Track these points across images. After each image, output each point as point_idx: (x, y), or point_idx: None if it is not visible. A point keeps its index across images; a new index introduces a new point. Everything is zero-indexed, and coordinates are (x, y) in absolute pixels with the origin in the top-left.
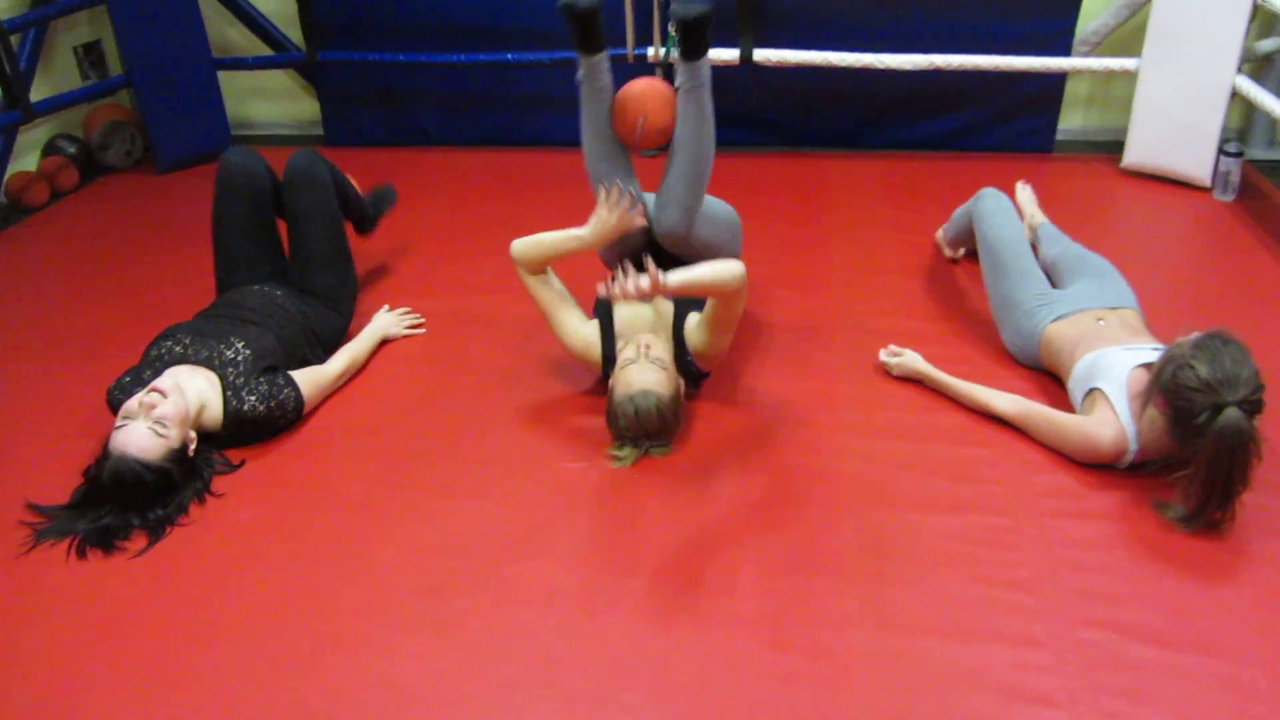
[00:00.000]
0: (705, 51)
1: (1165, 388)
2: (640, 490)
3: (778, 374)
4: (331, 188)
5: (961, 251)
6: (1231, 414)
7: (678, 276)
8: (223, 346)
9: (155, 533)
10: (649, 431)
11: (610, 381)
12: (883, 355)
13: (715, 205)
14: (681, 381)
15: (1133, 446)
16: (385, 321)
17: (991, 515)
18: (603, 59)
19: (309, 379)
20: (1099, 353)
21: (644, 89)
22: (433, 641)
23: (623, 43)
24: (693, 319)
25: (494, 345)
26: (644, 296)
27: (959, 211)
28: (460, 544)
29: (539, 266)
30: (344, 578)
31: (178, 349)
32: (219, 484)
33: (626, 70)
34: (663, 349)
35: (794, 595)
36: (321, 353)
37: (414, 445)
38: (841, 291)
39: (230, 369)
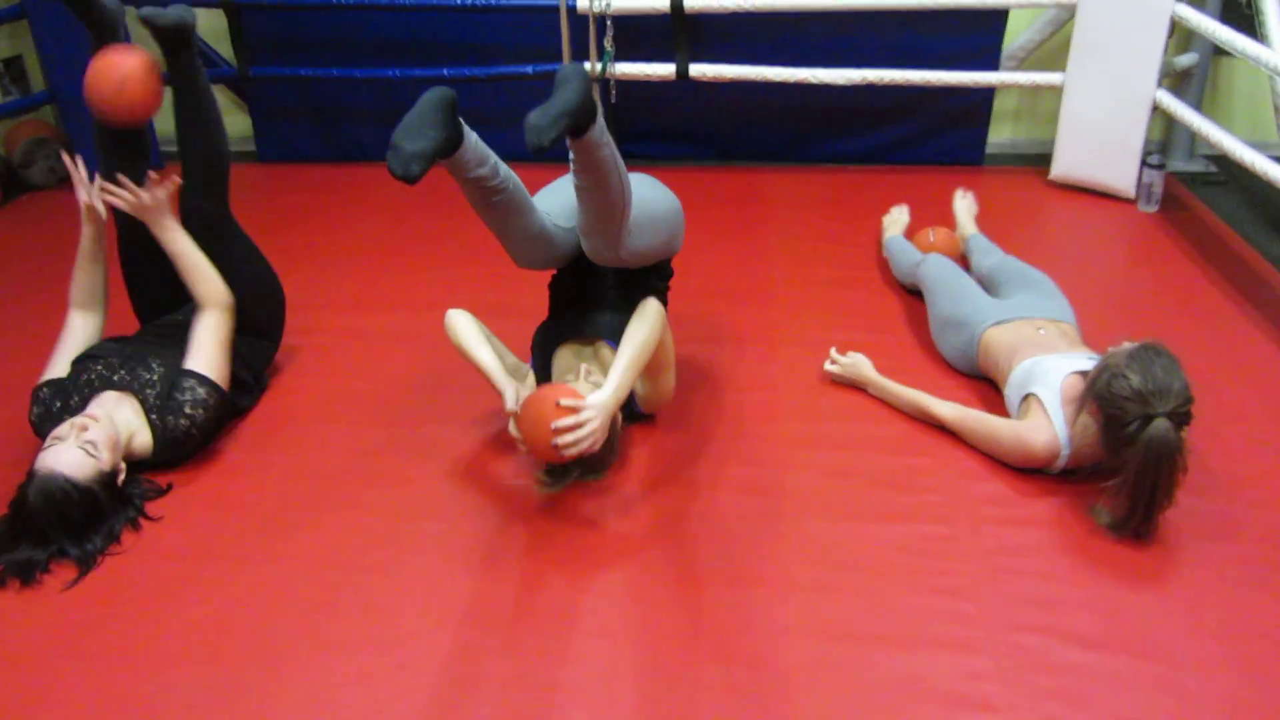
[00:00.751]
0: (590, 125)
1: (1099, 395)
2: (582, 506)
3: (718, 386)
4: (230, 224)
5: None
6: (1160, 424)
7: (610, 389)
8: (141, 369)
9: (85, 564)
10: (581, 460)
11: None
12: (827, 364)
13: (653, 204)
14: (620, 416)
15: (1065, 451)
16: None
17: (930, 524)
18: (465, 151)
19: (206, 359)
20: (1036, 360)
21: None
22: (373, 662)
23: (560, 59)
24: None
25: (429, 362)
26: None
27: (904, 267)
28: (402, 563)
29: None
30: (282, 600)
31: (105, 372)
32: (151, 508)
33: None
34: (603, 377)
35: (736, 606)
36: (249, 376)
37: (350, 464)
38: (780, 304)
39: (149, 390)
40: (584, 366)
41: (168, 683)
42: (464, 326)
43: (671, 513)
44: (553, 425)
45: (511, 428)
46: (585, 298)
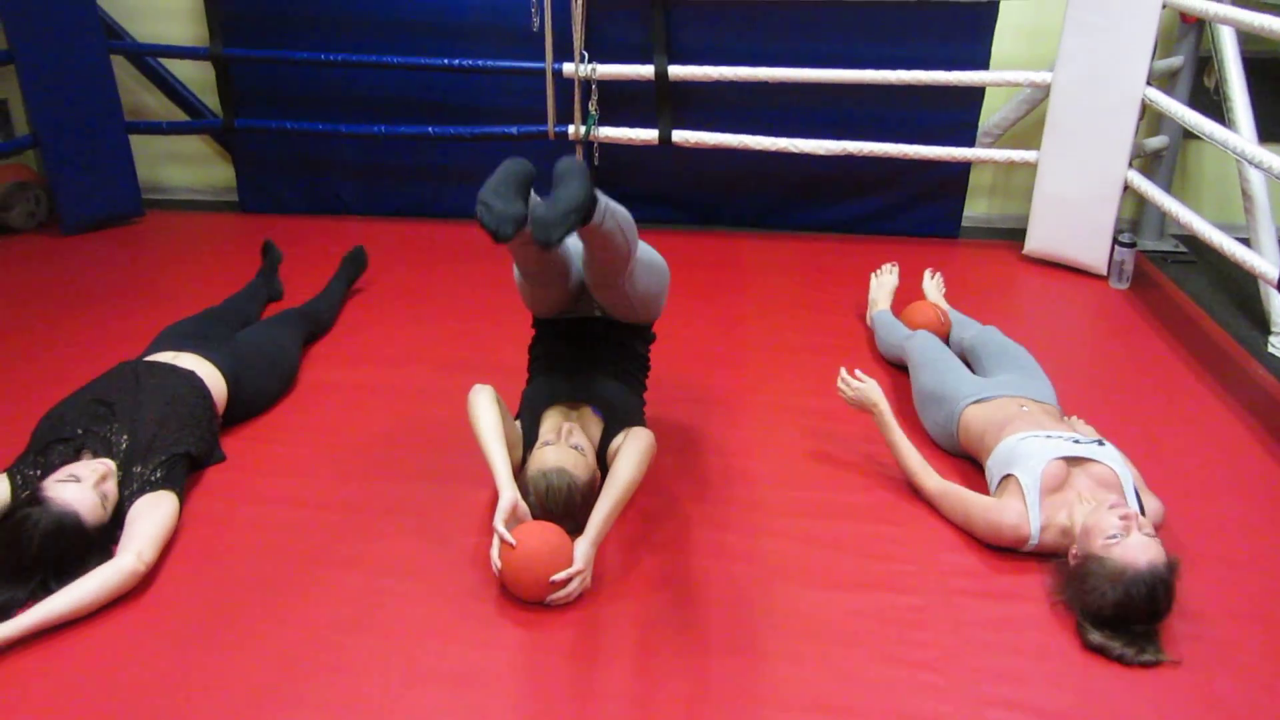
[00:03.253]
0: (593, 213)
1: (1071, 599)
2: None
3: (691, 449)
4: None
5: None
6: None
7: (592, 534)
8: (134, 455)
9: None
10: (557, 511)
11: (525, 461)
12: (840, 383)
13: (651, 253)
14: (598, 473)
15: (1033, 540)
16: None
17: (901, 594)
18: (601, 219)
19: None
20: (1021, 437)
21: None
22: None
23: (544, 120)
24: (615, 443)
25: (404, 418)
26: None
27: (890, 341)
28: (367, 621)
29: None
30: (242, 656)
31: (108, 435)
32: None
33: (546, 146)
34: (583, 439)
35: (703, 675)
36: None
37: (319, 519)
38: (756, 369)
39: (125, 487)
40: (565, 426)
41: None
42: (484, 411)
43: (640, 576)
44: (551, 580)
45: (494, 552)
46: (573, 361)
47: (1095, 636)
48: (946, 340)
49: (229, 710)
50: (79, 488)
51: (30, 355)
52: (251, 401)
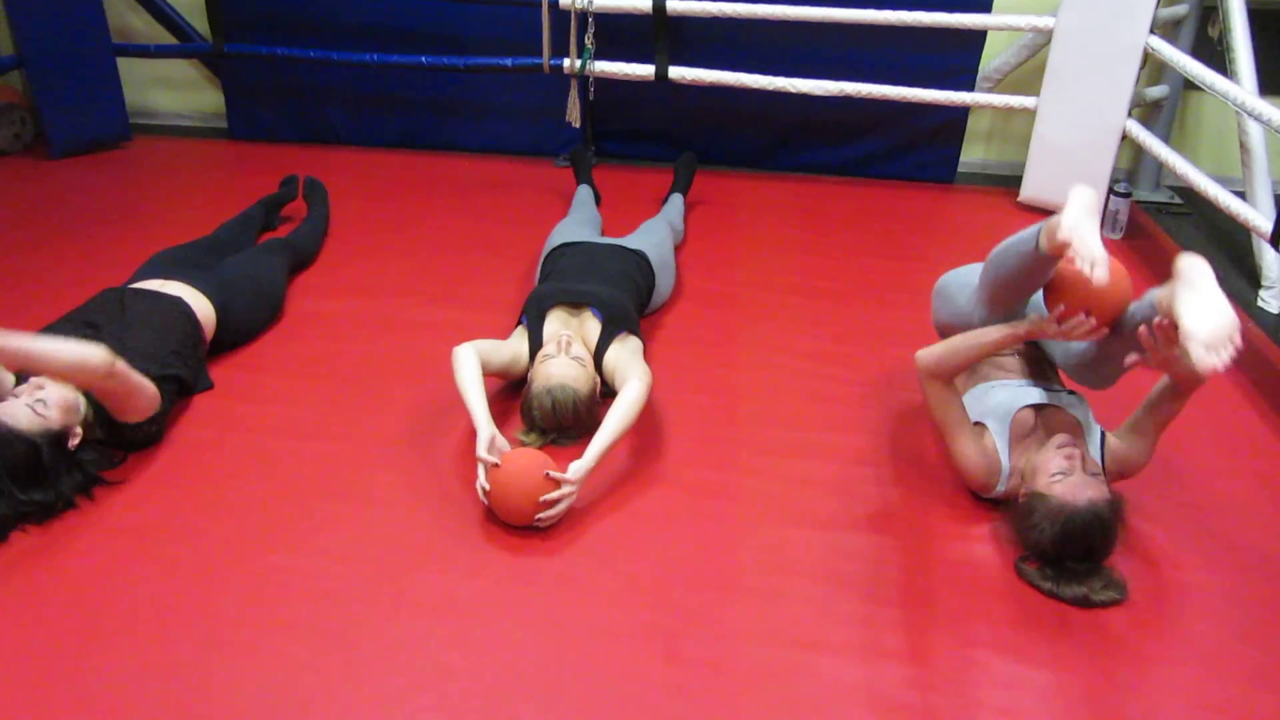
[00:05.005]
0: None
1: (1015, 536)
2: None
3: (678, 388)
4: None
5: None
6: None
7: (589, 460)
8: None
9: (26, 519)
10: (562, 425)
11: (530, 374)
12: None
13: (666, 248)
14: (598, 380)
15: (1001, 486)
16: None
17: (882, 534)
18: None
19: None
20: (991, 385)
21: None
22: (321, 649)
23: (540, 53)
24: (612, 353)
25: (394, 349)
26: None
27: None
28: (355, 551)
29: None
30: (232, 582)
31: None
32: (108, 485)
33: (540, 79)
34: (582, 349)
35: (687, 609)
36: (191, 374)
37: (310, 449)
38: (745, 309)
39: None
40: (565, 336)
41: (108, 660)
42: (465, 365)
43: (625, 512)
44: (540, 499)
45: (481, 478)
46: (582, 271)
47: (1032, 572)
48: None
49: (213, 636)
50: (9, 403)
51: (15, 279)
52: (239, 330)
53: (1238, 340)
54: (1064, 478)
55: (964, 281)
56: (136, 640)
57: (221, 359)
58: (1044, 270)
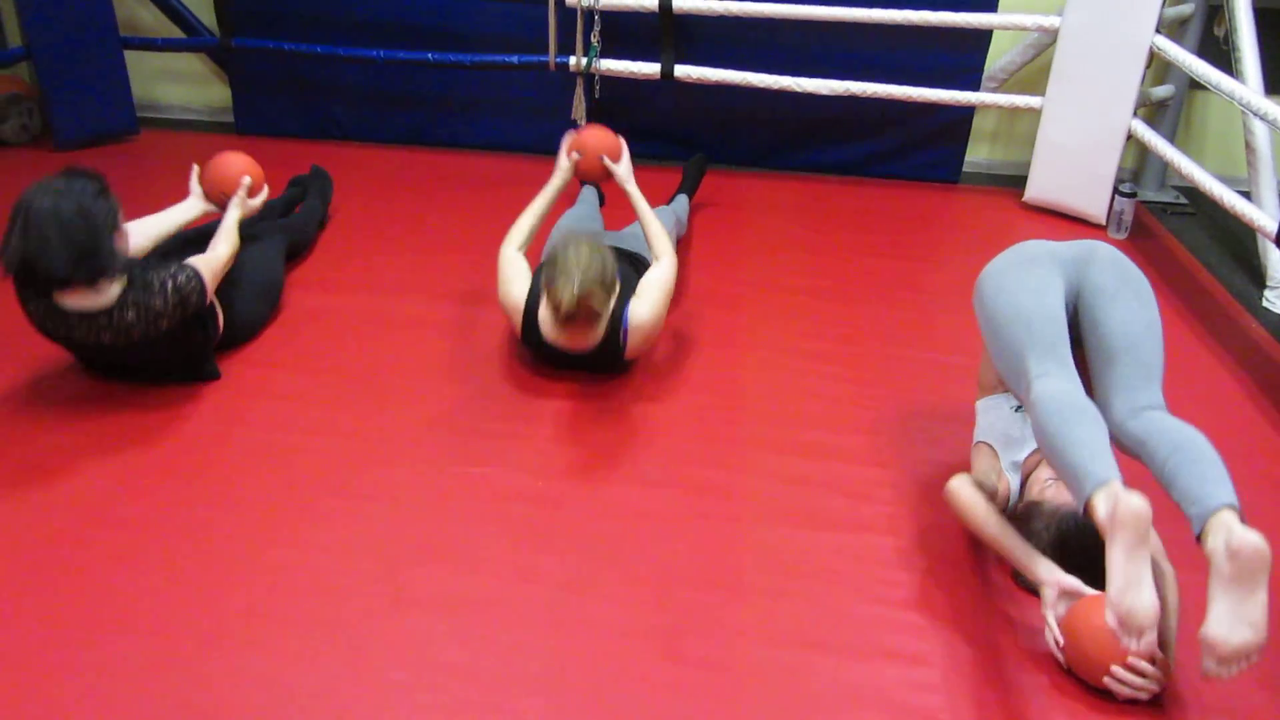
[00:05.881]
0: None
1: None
2: (542, 498)
3: (686, 387)
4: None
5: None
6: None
7: (634, 188)
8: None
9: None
10: (587, 272)
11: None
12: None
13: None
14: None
15: (1015, 497)
16: (240, 202)
17: (885, 535)
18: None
19: (204, 262)
20: (992, 400)
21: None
22: (322, 644)
23: (546, 51)
24: (633, 304)
25: (398, 345)
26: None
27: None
28: (357, 546)
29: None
30: (233, 576)
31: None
32: (105, 478)
33: (546, 77)
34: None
35: (689, 608)
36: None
37: (312, 444)
38: (750, 309)
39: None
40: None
41: (109, 653)
42: (520, 229)
43: (628, 510)
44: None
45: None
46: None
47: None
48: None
49: (215, 630)
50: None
51: None
52: (242, 326)
53: (1255, 659)
54: (1055, 483)
55: (997, 320)
56: (137, 634)
57: (226, 355)
58: None
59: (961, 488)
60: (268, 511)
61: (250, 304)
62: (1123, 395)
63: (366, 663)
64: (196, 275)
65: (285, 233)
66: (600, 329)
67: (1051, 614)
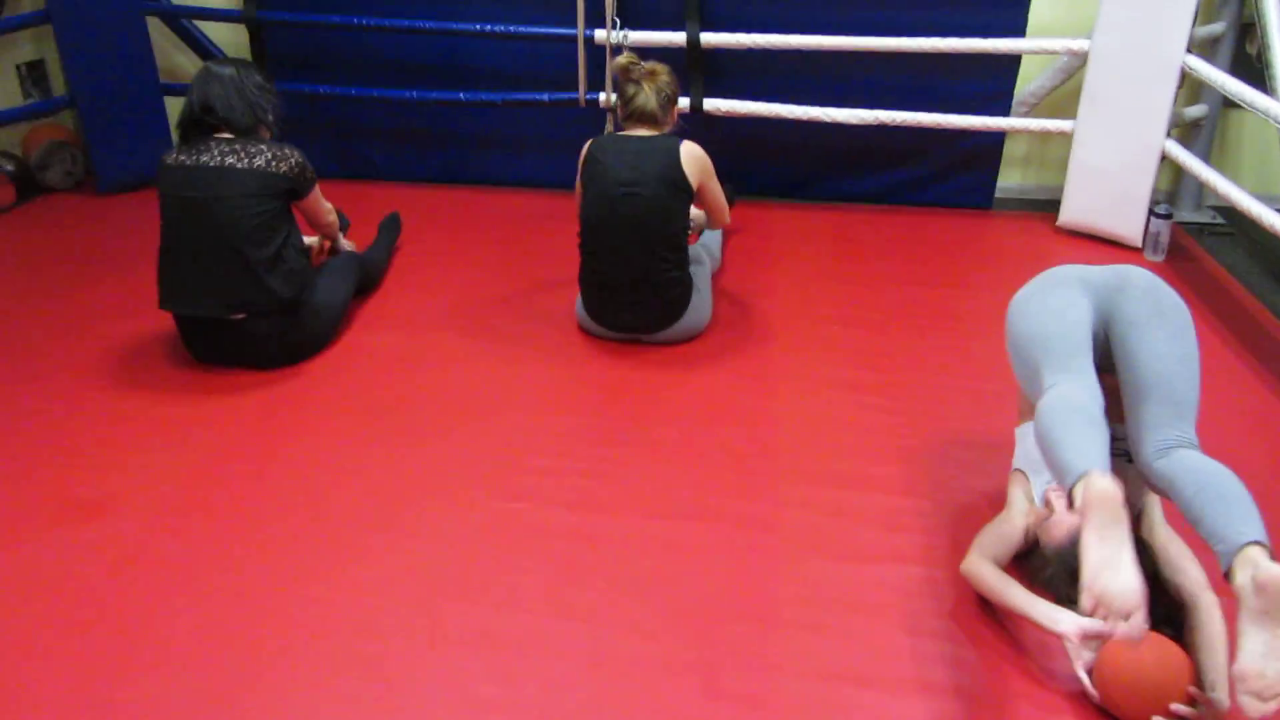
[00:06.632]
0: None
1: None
2: (577, 533)
3: (719, 418)
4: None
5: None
6: None
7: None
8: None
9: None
10: (652, 70)
11: None
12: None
13: (702, 275)
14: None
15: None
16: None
17: (924, 566)
18: None
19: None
20: (1028, 425)
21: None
22: (359, 682)
23: (575, 87)
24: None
25: (433, 383)
26: None
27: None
28: (393, 582)
29: None
30: (270, 614)
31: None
32: (152, 508)
33: (577, 113)
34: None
35: (726, 642)
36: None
37: (346, 481)
38: (783, 340)
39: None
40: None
41: (145, 691)
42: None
43: (663, 543)
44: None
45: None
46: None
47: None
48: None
49: (251, 668)
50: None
51: (68, 314)
52: (304, 350)
53: None
54: (1046, 521)
55: (1025, 344)
56: (174, 672)
57: (264, 386)
58: None
59: (971, 567)
60: (303, 548)
61: (310, 320)
62: (1152, 434)
63: (403, 700)
64: (310, 169)
65: (359, 266)
66: None
67: (1081, 666)
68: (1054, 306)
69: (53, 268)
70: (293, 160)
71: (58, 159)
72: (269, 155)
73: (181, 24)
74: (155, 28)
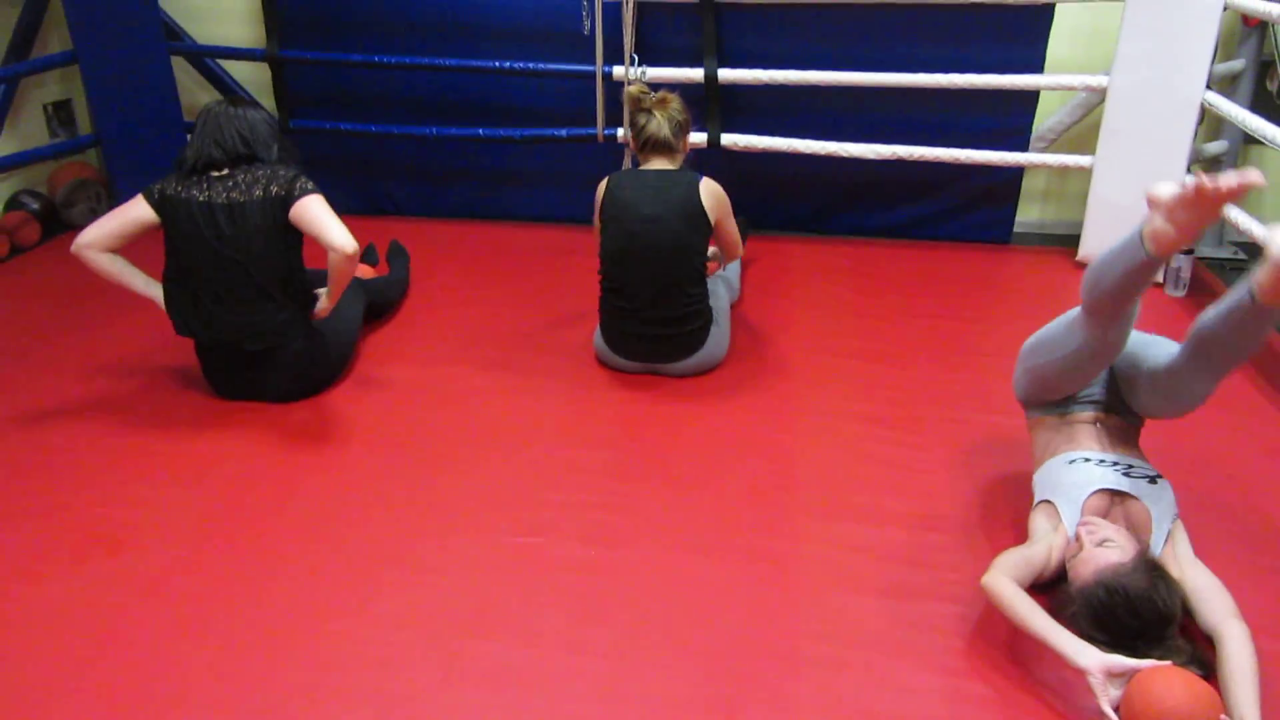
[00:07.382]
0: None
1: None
2: (595, 569)
3: (737, 453)
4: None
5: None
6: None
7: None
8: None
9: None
10: (663, 98)
11: None
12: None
13: (721, 306)
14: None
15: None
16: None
17: (944, 602)
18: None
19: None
20: (1070, 458)
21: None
22: (377, 718)
23: (594, 123)
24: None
25: (452, 416)
26: None
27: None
28: (411, 617)
29: None
30: (289, 648)
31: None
32: (171, 544)
33: (595, 149)
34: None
35: (745, 680)
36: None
37: (365, 515)
38: (802, 373)
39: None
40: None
41: None
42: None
43: (681, 579)
44: None
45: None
46: None
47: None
48: None
49: (270, 703)
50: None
51: (92, 350)
52: (321, 379)
53: None
54: (1079, 554)
55: (1051, 329)
56: (194, 705)
57: (284, 419)
58: (1149, 273)
59: (993, 583)
60: (323, 583)
61: (333, 360)
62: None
63: None
64: (306, 181)
65: (366, 293)
66: None
67: (1106, 703)
68: (1067, 322)
69: (76, 304)
70: (285, 176)
71: (82, 196)
72: (264, 182)
73: (205, 63)
74: (180, 67)
